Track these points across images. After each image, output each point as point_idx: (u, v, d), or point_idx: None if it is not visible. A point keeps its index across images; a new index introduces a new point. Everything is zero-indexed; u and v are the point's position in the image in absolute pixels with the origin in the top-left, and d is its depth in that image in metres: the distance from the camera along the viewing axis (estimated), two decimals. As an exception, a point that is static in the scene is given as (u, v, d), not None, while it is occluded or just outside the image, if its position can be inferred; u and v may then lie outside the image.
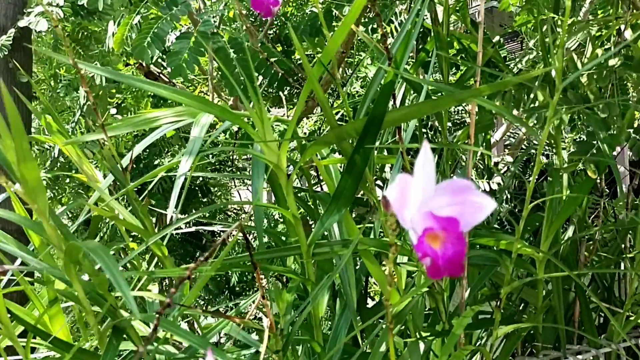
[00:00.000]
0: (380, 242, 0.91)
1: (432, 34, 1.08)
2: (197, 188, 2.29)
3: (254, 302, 0.89)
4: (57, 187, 2.09)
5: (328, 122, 0.88)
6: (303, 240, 0.88)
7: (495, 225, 1.41)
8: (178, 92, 0.82)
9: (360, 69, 2.00)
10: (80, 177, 1.11)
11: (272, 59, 1.41)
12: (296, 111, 0.82)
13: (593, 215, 1.52)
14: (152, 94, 2.01)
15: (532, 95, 1.10)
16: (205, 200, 2.38)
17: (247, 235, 0.67)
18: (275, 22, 2.01)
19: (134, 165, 2.11)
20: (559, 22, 1.19)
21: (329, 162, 1.00)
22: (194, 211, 2.63)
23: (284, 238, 1.13)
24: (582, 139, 1.24)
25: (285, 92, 2.41)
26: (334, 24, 1.91)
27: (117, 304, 0.77)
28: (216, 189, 2.69)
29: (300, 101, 0.81)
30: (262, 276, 0.72)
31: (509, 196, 1.58)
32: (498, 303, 0.94)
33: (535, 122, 1.04)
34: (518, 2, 1.88)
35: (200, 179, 2.32)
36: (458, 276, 0.45)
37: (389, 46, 0.82)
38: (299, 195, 1.26)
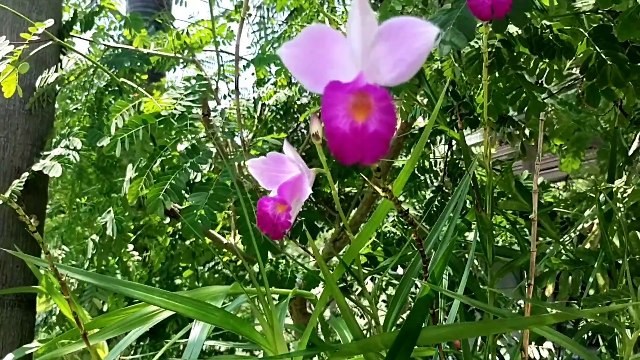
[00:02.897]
0: None
1: (473, 206, 0.96)
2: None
3: None
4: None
5: (351, 330, 0.74)
6: None
7: None
8: (175, 298, 0.70)
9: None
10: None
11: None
12: (306, 332, 0.68)
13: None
14: (169, 230, 1.92)
15: (590, 279, 0.95)
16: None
17: None
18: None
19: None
20: (617, 190, 1.06)
21: (351, 364, 0.85)
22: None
23: None
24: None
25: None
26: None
27: None
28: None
29: (312, 319, 0.68)
30: None
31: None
32: None
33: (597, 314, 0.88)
34: (562, 142, 1.77)
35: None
36: None
37: (423, 247, 0.70)
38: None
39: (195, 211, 1.23)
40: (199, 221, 1.22)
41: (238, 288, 0.96)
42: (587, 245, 1.37)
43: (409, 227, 1.85)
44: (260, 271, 0.68)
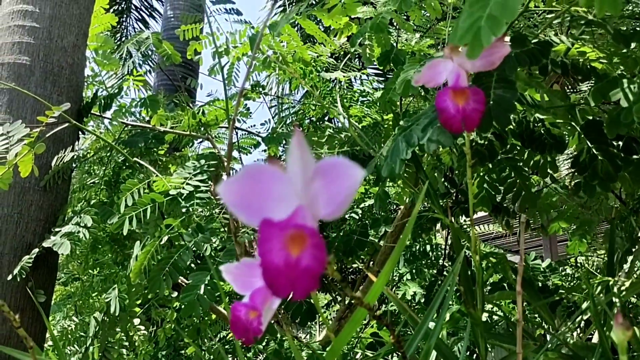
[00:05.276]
0: None
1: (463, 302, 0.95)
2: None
3: None
4: None
5: None
6: None
7: None
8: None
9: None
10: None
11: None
12: None
13: None
14: (175, 305, 1.93)
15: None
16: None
17: None
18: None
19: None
20: (613, 283, 1.04)
21: None
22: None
23: None
24: None
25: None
26: (370, 238, 1.83)
27: None
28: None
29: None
30: None
31: None
32: None
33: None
34: (567, 225, 1.75)
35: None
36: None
37: (404, 347, 0.70)
38: None
39: (195, 291, 1.24)
40: (198, 302, 1.23)
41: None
42: (596, 335, 1.33)
43: (416, 307, 1.83)
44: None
